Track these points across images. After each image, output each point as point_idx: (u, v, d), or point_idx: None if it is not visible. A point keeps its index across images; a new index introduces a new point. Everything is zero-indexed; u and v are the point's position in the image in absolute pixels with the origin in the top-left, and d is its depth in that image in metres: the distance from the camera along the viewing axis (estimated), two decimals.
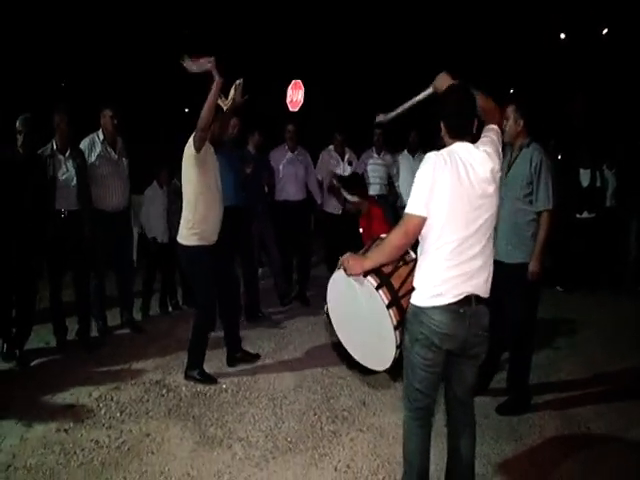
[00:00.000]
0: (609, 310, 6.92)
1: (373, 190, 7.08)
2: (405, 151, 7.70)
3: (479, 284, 2.68)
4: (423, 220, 2.63)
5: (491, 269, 2.75)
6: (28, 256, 4.77)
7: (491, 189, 2.68)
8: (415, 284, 2.74)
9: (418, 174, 2.66)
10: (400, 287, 2.93)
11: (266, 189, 6.62)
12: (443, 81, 2.98)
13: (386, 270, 2.96)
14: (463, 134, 2.74)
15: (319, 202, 7.06)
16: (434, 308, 2.64)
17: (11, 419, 3.95)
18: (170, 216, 6.07)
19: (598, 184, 7.83)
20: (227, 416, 4.08)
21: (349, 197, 5.06)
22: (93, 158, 5.30)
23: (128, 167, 5.61)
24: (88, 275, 5.27)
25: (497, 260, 3.96)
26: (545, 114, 15.21)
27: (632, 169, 8.14)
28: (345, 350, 3.31)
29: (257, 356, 5.09)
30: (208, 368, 4.72)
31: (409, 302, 2.81)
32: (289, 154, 6.69)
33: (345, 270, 2.94)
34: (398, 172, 7.53)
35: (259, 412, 4.15)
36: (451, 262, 2.62)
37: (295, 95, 12.74)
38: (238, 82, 4.57)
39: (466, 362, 2.82)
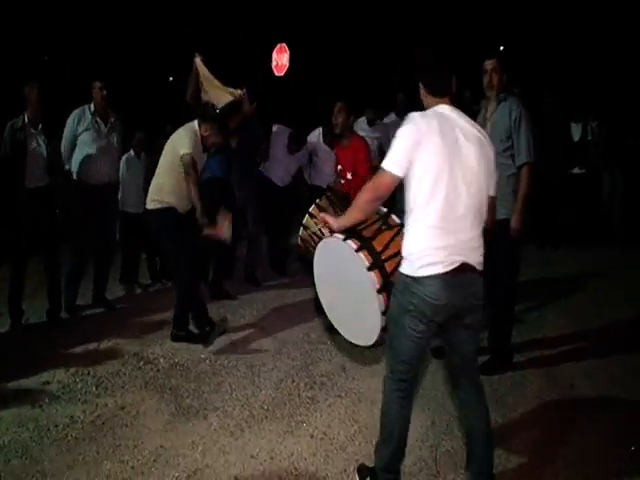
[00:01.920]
0: (597, 265, 6.89)
1: None
2: (393, 114, 7.42)
3: (473, 253, 2.57)
4: (396, 179, 2.53)
5: (482, 241, 2.63)
6: None
7: (481, 161, 2.57)
8: (404, 252, 2.59)
9: (400, 131, 2.55)
10: (383, 250, 2.85)
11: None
12: None
13: (367, 234, 2.89)
14: (444, 91, 2.64)
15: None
16: (427, 278, 2.49)
17: None
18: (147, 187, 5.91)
19: (590, 138, 7.67)
20: (204, 386, 4.04)
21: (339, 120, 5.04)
22: (81, 129, 5.18)
23: (119, 143, 5.53)
24: (58, 254, 5.13)
25: None
26: (536, 67, 15.01)
27: (618, 124, 7.96)
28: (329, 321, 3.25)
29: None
30: None
31: (394, 267, 2.73)
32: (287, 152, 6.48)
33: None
34: (389, 140, 7.25)
35: (236, 381, 4.11)
36: (443, 229, 2.49)
37: (280, 59, 12.51)
38: (242, 92, 4.69)
39: (463, 331, 2.69)
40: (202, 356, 4.51)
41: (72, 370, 4.29)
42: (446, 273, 2.48)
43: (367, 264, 2.78)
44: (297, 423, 3.57)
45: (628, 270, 6.68)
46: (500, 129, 3.91)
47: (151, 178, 4.73)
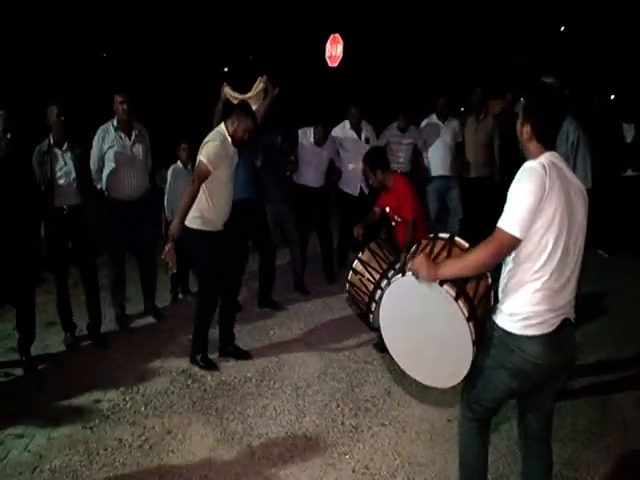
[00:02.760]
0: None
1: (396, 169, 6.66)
2: (434, 116, 7.18)
3: (571, 306, 2.49)
4: (517, 241, 2.33)
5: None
6: (22, 259, 4.59)
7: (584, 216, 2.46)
8: (506, 306, 2.47)
9: (517, 186, 2.33)
10: (474, 296, 2.70)
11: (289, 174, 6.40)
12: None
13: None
14: (552, 142, 2.49)
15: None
16: (530, 338, 2.40)
17: (39, 418, 4.01)
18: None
19: None
20: (249, 409, 4.07)
21: (371, 177, 4.86)
22: (106, 146, 5.18)
23: (147, 153, 5.47)
24: (95, 270, 5.16)
25: None
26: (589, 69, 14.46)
27: None
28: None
29: (248, 354, 4.87)
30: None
31: (482, 312, 2.65)
32: (315, 147, 6.40)
33: (414, 274, 2.64)
34: (425, 143, 7.10)
35: (281, 405, 4.12)
36: (549, 289, 2.38)
37: (334, 50, 12.34)
38: (263, 79, 4.65)
39: (552, 381, 2.60)
40: (248, 375, 4.54)
41: (122, 388, 4.39)
42: (550, 333, 2.41)
43: (466, 314, 2.60)
44: (339, 455, 3.55)
45: None
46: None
47: None
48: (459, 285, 2.63)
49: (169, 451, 3.64)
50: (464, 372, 2.65)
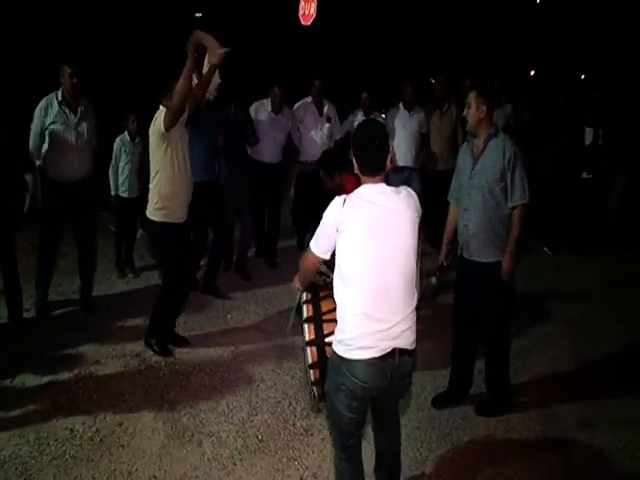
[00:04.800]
0: (600, 275, 6.86)
1: None
2: (400, 105, 7.10)
3: (405, 337, 2.60)
4: (318, 259, 2.69)
5: (415, 317, 2.67)
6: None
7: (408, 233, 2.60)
8: (336, 332, 2.66)
9: (323, 215, 2.60)
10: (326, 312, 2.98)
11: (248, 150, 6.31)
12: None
13: (323, 294, 3.07)
14: (376, 170, 2.64)
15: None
16: (356, 361, 2.54)
17: None
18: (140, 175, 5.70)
19: (600, 143, 7.40)
20: (202, 403, 4.10)
21: (327, 183, 4.75)
22: (48, 121, 4.81)
23: (93, 131, 5.14)
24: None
25: (469, 259, 3.88)
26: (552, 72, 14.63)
27: (622, 129, 7.59)
28: None
29: (186, 341, 4.86)
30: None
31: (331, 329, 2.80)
32: (272, 115, 6.33)
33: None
34: (391, 132, 6.91)
35: (234, 400, 4.16)
36: (365, 314, 2.52)
37: (307, 8, 11.94)
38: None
39: (389, 398, 2.84)
40: (203, 364, 4.57)
41: (75, 371, 4.38)
42: (375, 359, 2.54)
43: (307, 339, 2.97)
44: (289, 460, 3.62)
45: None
46: (492, 168, 3.75)
47: (145, 162, 4.63)
48: (315, 303, 3.05)
49: (119, 445, 3.66)
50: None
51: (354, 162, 2.69)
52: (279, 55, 13.20)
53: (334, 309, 2.77)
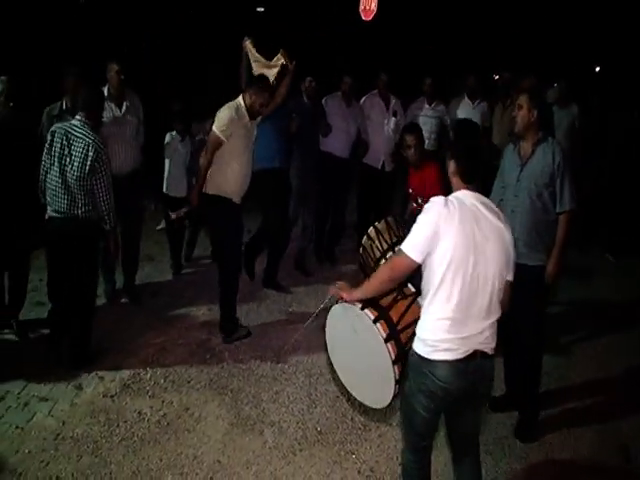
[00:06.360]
0: None
1: None
2: (465, 96, 7.11)
3: (487, 340, 2.62)
4: (413, 263, 2.57)
5: (496, 324, 2.68)
6: (20, 228, 4.51)
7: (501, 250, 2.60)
8: (418, 331, 2.67)
9: (420, 216, 2.60)
10: (399, 321, 2.88)
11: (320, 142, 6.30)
12: None
13: (384, 303, 2.92)
14: (476, 178, 2.67)
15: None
16: (438, 362, 2.56)
17: (63, 381, 4.22)
18: (191, 175, 5.69)
19: None
20: (263, 393, 4.24)
21: (412, 149, 4.78)
22: None
23: (140, 127, 5.29)
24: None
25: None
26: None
27: None
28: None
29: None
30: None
31: (408, 337, 2.79)
32: (344, 107, 6.35)
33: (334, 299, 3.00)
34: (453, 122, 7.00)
35: (294, 392, 4.28)
36: (453, 318, 2.53)
37: (368, 3, 11.96)
38: (280, 54, 4.64)
39: (468, 406, 2.77)
40: (265, 355, 4.70)
41: (142, 355, 4.58)
42: (458, 360, 2.55)
43: (384, 335, 2.80)
44: (347, 453, 3.71)
45: None
46: (542, 172, 3.72)
47: (195, 166, 4.77)
48: (381, 309, 2.85)
49: (185, 430, 3.83)
50: (391, 392, 2.84)
51: (451, 165, 2.69)
52: (342, 51, 13.26)
53: (405, 312, 2.83)
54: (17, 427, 3.72)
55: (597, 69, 19.55)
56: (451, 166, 2.71)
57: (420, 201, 4.78)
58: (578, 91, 8.70)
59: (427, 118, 6.93)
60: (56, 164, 4.13)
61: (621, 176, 7.32)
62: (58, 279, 4.40)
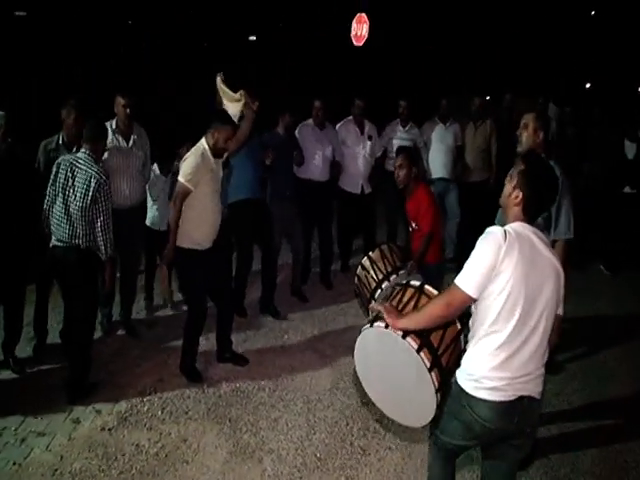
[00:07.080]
0: None
1: None
2: (436, 118, 7.25)
3: (535, 385, 2.52)
4: (469, 299, 2.45)
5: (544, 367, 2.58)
6: (16, 258, 4.50)
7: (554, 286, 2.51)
8: (464, 364, 2.58)
9: (477, 247, 2.44)
10: (439, 345, 2.78)
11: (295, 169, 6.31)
12: None
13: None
14: (537, 216, 2.62)
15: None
16: (481, 400, 2.47)
17: (61, 413, 4.20)
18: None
19: None
20: (262, 421, 4.22)
21: (403, 174, 4.79)
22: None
23: (146, 160, 5.30)
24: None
25: None
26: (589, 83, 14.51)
27: None
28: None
29: (245, 359, 4.99)
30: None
31: (448, 358, 2.74)
32: (317, 131, 6.39)
33: (379, 319, 2.79)
34: (426, 144, 7.17)
35: (293, 418, 4.26)
36: (499, 356, 2.44)
37: (359, 29, 12.22)
38: (241, 93, 4.70)
39: (507, 449, 2.64)
40: (262, 382, 4.68)
41: (139, 387, 4.56)
42: (502, 402, 2.46)
43: (428, 365, 2.69)
44: (347, 478, 3.70)
45: None
46: None
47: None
48: (423, 336, 2.72)
49: (184, 461, 3.80)
50: (430, 416, 2.76)
51: (518, 195, 2.53)
52: (329, 75, 13.46)
53: (444, 335, 2.77)
54: (15, 463, 3.69)
55: (587, 85, 19.82)
56: (517, 195, 2.53)
57: (415, 226, 4.82)
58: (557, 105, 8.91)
59: (402, 141, 6.95)
60: (60, 195, 4.23)
61: (613, 187, 7.37)
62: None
